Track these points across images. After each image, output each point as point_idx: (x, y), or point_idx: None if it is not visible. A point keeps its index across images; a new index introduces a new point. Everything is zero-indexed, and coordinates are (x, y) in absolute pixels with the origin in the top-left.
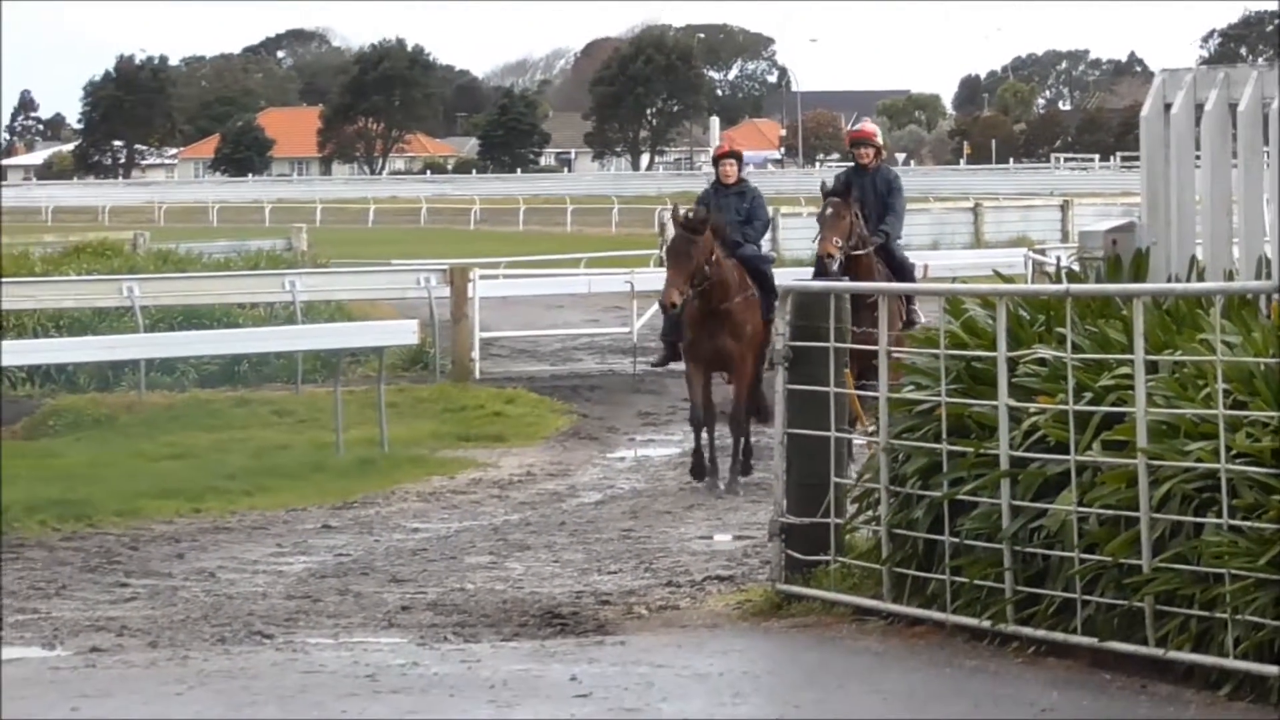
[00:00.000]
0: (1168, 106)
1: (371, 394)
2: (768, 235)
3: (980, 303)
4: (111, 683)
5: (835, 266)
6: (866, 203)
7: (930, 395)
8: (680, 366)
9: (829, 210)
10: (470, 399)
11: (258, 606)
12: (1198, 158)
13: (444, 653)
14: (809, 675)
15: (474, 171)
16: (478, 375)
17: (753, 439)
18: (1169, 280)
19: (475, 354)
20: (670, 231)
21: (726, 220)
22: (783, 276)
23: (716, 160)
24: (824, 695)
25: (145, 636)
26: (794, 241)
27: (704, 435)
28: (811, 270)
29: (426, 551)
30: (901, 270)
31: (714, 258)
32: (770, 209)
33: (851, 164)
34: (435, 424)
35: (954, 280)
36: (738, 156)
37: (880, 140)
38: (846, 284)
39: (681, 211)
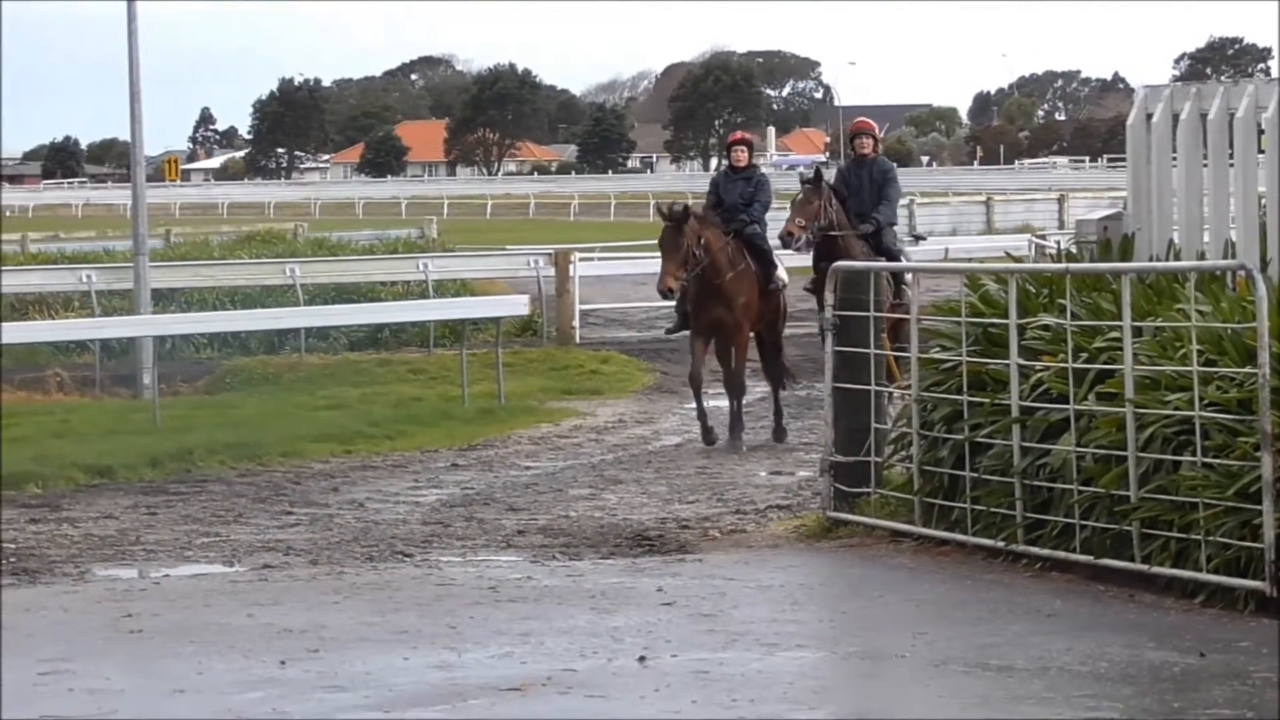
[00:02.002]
0: (1149, 116)
1: (490, 356)
2: None
3: (994, 279)
4: (280, 593)
5: (796, 245)
6: (864, 191)
7: (953, 355)
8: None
9: (800, 195)
10: (571, 359)
11: (399, 531)
12: (1174, 159)
13: (553, 569)
14: (854, 587)
15: (573, 173)
16: (578, 340)
17: (781, 399)
18: (1151, 260)
19: (575, 322)
20: None
21: (731, 202)
22: None
23: (730, 146)
24: (866, 603)
25: (307, 555)
26: None
27: (704, 397)
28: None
29: (537, 485)
30: (888, 256)
31: (701, 241)
32: None
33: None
34: (543, 380)
35: (970, 261)
36: (749, 144)
37: (879, 132)
38: (882, 264)
39: (664, 207)
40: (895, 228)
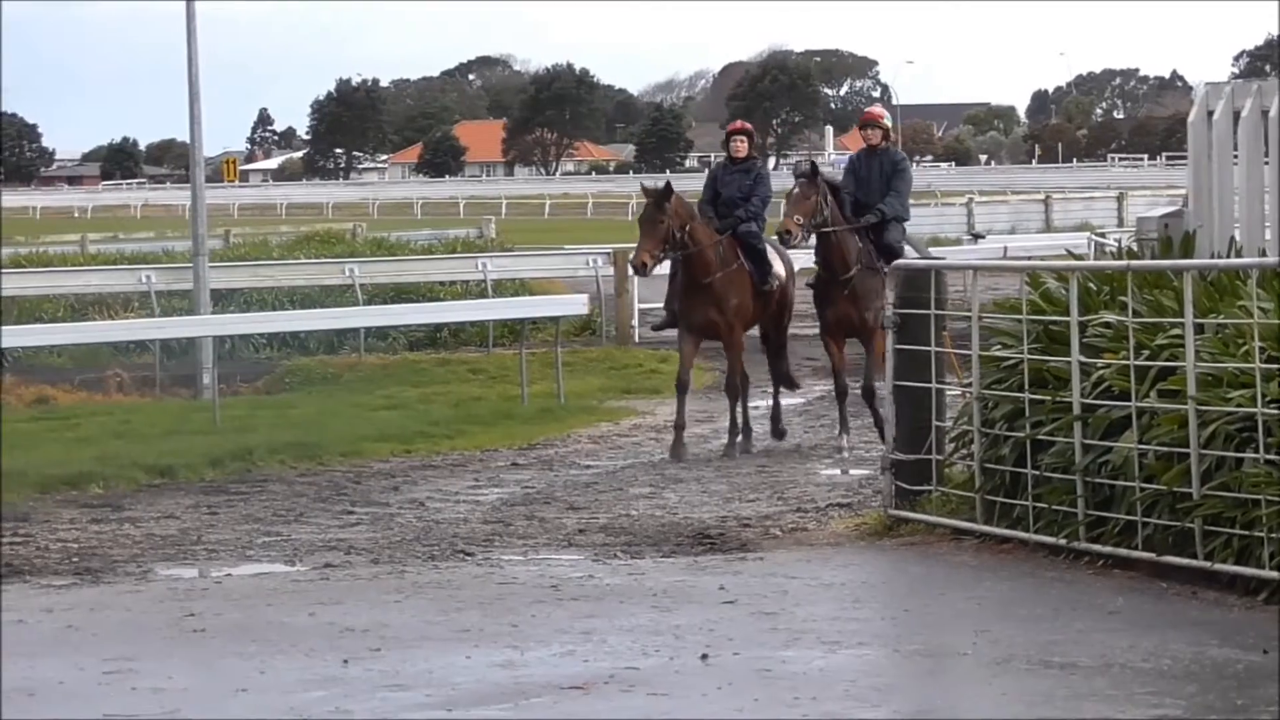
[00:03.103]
0: (1210, 114)
1: (550, 355)
2: None
3: (1055, 277)
4: (342, 592)
5: (795, 242)
6: (872, 182)
7: (1015, 353)
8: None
9: (795, 190)
10: (631, 359)
11: (460, 530)
12: (1235, 156)
13: (614, 567)
14: (916, 584)
15: (631, 172)
16: (637, 339)
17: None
18: (1212, 257)
19: (635, 322)
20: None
21: (729, 195)
22: None
23: (729, 136)
24: (928, 601)
25: (368, 554)
26: None
27: (686, 399)
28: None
29: (597, 484)
30: (889, 252)
31: (686, 229)
32: None
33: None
34: (602, 380)
35: (1029, 259)
36: (749, 134)
37: (888, 123)
38: (943, 261)
39: (647, 185)
40: (905, 223)
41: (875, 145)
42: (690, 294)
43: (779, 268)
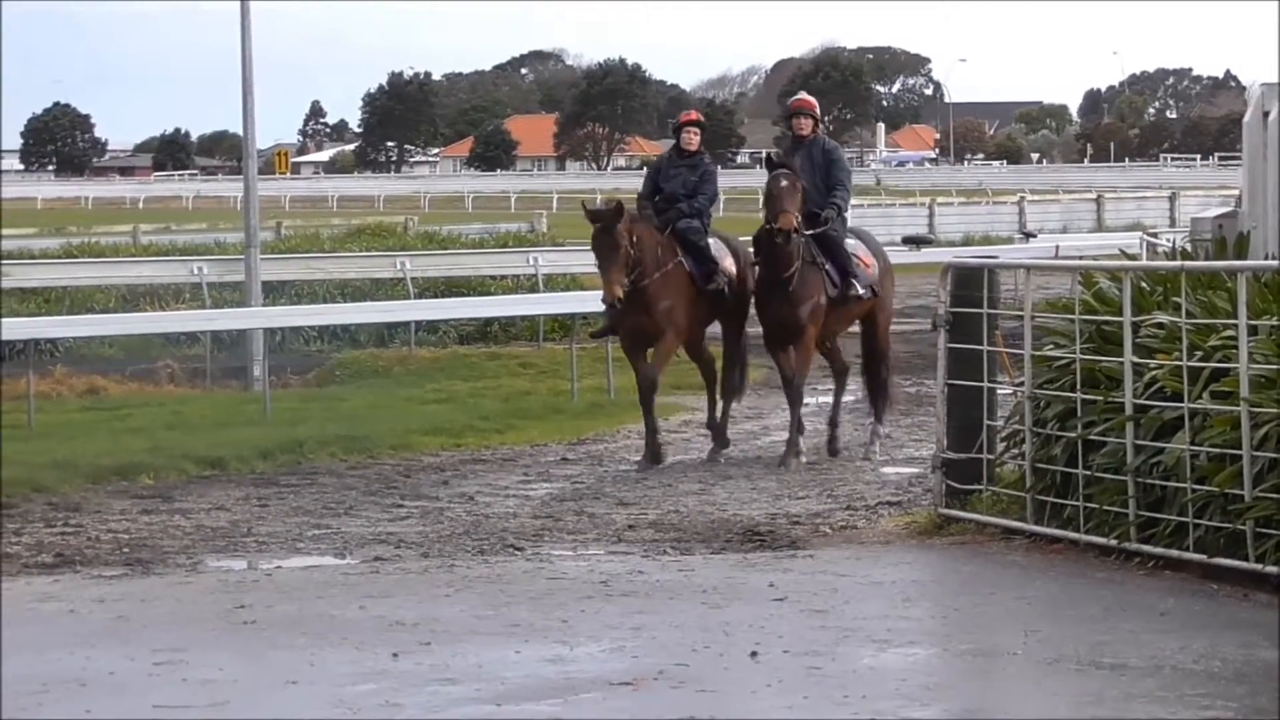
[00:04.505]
0: (1265, 114)
1: (600, 350)
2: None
3: (1109, 277)
4: (392, 586)
5: (796, 240)
6: (805, 173)
7: (1067, 353)
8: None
9: (784, 183)
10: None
11: (510, 524)
12: None
13: (664, 563)
14: (966, 583)
15: None
16: None
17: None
18: (1266, 258)
19: None
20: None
21: (671, 191)
22: (940, 255)
23: (682, 126)
24: (979, 600)
25: (418, 548)
26: (947, 225)
27: (654, 410)
28: (971, 250)
29: (647, 480)
30: (831, 246)
31: (635, 239)
32: (927, 199)
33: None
34: None
35: (1081, 259)
36: (702, 126)
37: (819, 111)
38: (998, 260)
39: (590, 207)
40: (843, 214)
41: (804, 135)
42: (626, 297)
43: (728, 264)
